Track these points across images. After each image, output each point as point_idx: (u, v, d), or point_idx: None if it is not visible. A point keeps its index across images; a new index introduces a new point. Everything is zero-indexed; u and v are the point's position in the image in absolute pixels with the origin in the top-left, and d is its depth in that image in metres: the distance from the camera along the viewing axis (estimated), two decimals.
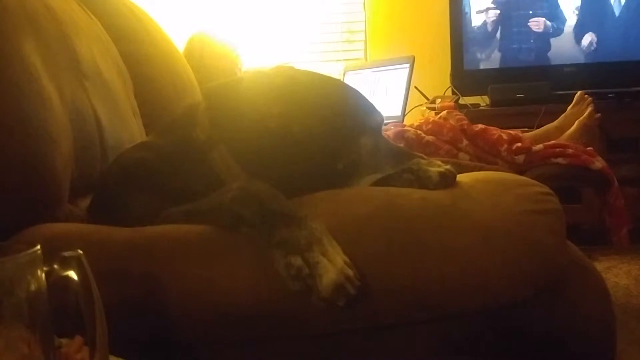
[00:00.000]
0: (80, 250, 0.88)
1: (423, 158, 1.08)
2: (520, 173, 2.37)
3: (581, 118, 2.63)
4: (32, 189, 0.98)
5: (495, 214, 0.89)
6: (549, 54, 3.66)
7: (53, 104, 1.04)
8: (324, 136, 1.02)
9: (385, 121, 2.91)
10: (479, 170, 2.34)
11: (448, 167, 0.98)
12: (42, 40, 1.07)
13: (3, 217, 0.95)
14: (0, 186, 0.93)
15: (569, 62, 3.63)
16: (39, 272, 0.62)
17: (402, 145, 2.43)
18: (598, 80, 3.50)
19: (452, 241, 0.86)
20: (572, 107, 2.73)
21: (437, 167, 0.99)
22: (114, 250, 0.87)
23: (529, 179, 0.98)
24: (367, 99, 1.14)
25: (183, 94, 1.76)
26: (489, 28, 3.68)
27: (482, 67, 3.67)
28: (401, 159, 1.07)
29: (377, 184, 1.02)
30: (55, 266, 0.65)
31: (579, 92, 2.75)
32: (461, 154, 2.40)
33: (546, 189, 0.96)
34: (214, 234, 0.87)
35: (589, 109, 2.67)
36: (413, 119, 3.48)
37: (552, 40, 3.64)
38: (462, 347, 0.84)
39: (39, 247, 0.62)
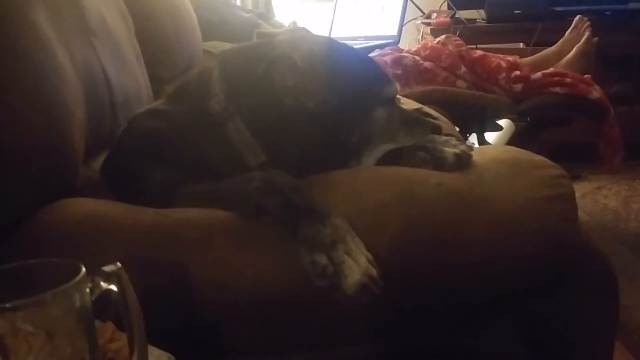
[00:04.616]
0: (107, 235, 0.91)
1: (439, 129, 1.09)
2: (518, 101, 2.40)
3: (579, 43, 2.62)
4: (52, 162, 0.98)
5: (510, 201, 0.92)
6: None
7: (67, 72, 1.03)
8: (339, 110, 1.02)
9: (383, 41, 2.89)
10: (477, 99, 2.36)
11: (464, 147, 1.00)
12: (52, 5, 1.05)
13: (23, 191, 0.96)
14: (20, 161, 0.93)
15: None
16: (85, 289, 0.65)
17: (399, 71, 2.43)
18: None
19: (469, 229, 0.89)
20: (570, 32, 2.71)
21: (452, 147, 1.00)
22: (141, 237, 0.89)
23: (542, 159, 1.00)
24: (381, 68, 1.14)
25: (183, 30, 1.72)
26: None
27: None
28: (415, 127, 1.08)
29: (390, 156, 1.04)
30: (99, 281, 0.67)
31: (577, 17, 2.72)
32: (459, 81, 2.41)
33: (560, 171, 0.98)
34: (238, 222, 0.89)
35: (587, 34, 2.65)
36: (408, 35, 3.45)
37: None
38: (477, 333, 0.89)
39: (84, 270, 0.64)
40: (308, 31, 1.14)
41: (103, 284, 0.68)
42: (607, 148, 2.43)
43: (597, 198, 3.00)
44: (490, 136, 2.61)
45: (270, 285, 0.85)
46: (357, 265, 0.80)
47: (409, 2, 2.96)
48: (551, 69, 2.46)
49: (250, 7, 3.08)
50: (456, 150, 0.99)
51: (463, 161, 0.98)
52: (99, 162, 1.15)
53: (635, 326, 1.83)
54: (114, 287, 0.68)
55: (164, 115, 1.08)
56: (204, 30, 1.98)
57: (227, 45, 2.05)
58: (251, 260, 0.86)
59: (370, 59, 1.11)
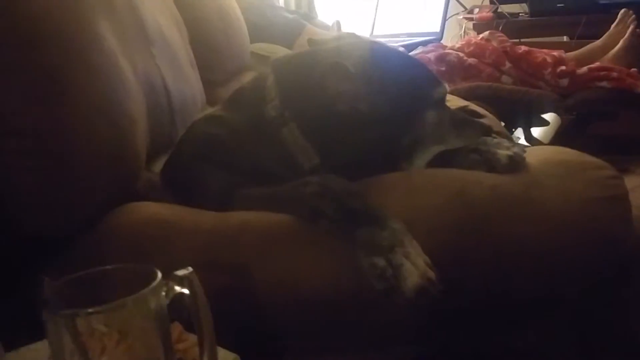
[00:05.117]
0: (172, 238, 0.95)
1: (489, 130, 1.11)
2: (564, 96, 2.38)
3: (625, 37, 2.60)
4: (118, 170, 1.03)
5: (565, 203, 0.93)
6: None
7: (130, 82, 1.08)
8: (391, 113, 1.04)
9: (427, 37, 2.89)
10: (523, 94, 2.36)
11: (516, 149, 1.01)
12: (115, 18, 1.09)
13: (92, 196, 1.00)
14: (89, 169, 0.98)
15: None
16: (160, 293, 0.69)
17: (443, 68, 2.43)
18: None
19: (524, 232, 0.90)
20: (615, 25, 2.68)
21: (505, 149, 1.01)
22: (203, 240, 0.92)
23: (595, 160, 1.01)
24: (430, 71, 1.16)
25: (232, 34, 1.76)
26: None
27: None
28: (466, 130, 1.10)
29: (442, 158, 1.05)
30: (172, 285, 0.71)
31: (623, 10, 2.69)
32: (504, 77, 2.41)
33: (612, 172, 0.99)
34: (297, 225, 0.92)
35: (632, 27, 2.63)
36: (451, 30, 3.44)
37: None
38: (528, 332, 0.91)
39: (160, 275, 0.68)
40: (357, 36, 1.16)
41: (177, 288, 0.71)
42: None
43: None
44: (537, 131, 2.60)
45: (330, 287, 0.88)
46: (415, 268, 0.82)
47: None
48: (597, 64, 2.45)
49: (293, 7, 3.11)
50: (509, 152, 1.00)
51: (516, 163, 1.00)
52: (159, 165, 1.20)
53: None
54: (186, 291, 0.72)
55: (222, 121, 1.12)
56: (251, 32, 2.02)
57: (273, 47, 2.09)
58: (310, 263, 0.89)
59: (419, 62, 1.13)
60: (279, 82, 1.09)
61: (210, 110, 1.25)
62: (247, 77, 1.27)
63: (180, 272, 0.72)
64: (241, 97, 1.15)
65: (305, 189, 0.93)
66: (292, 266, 0.89)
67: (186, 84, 1.38)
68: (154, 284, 0.67)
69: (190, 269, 0.74)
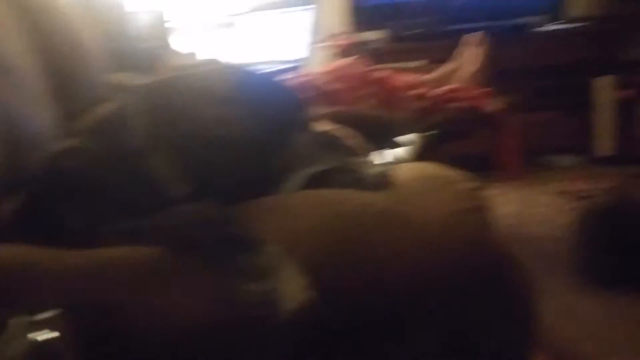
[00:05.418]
0: (32, 282, 0.88)
1: (356, 151, 1.13)
2: (423, 117, 2.48)
3: (475, 59, 2.74)
4: None
5: (432, 216, 0.96)
6: None
7: None
8: (262, 137, 1.04)
9: (289, 65, 2.92)
10: (383, 118, 2.43)
11: (384, 167, 1.04)
12: None
13: None
14: None
15: None
16: (19, 341, 0.64)
17: (309, 94, 2.47)
18: (488, 13, 3.63)
19: (398, 245, 0.92)
20: (466, 48, 2.82)
21: (373, 167, 1.04)
22: (68, 281, 0.87)
23: (457, 173, 1.06)
24: (297, 95, 1.17)
25: (89, 63, 1.71)
26: None
27: (379, 2, 3.70)
28: (334, 151, 1.11)
29: (314, 179, 1.06)
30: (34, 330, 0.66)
31: (472, 33, 2.85)
32: (365, 101, 2.47)
33: (474, 184, 1.04)
34: (168, 257, 0.89)
35: (482, 50, 2.78)
36: (313, 58, 3.50)
37: None
38: (409, 343, 0.92)
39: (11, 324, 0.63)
40: (224, 62, 1.16)
41: (41, 333, 0.66)
42: (505, 157, 2.56)
43: (498, 205, 3.12)
44: (397, 152, 2.69)
45: (207, 318, 0.85)
46: (294, 291, 0.81)
47: (313, 25, 3.02)
48: (451, 85, 2.56)
49: (148, 37, 3.03)
50: (376, 170, 1.03)
51: (384, 180, 1.02)
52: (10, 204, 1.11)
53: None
54: (53, 335, 0.67)
55: (82, 153, 1.07)
56: (107, 62, 1.95)
57: (129, 77, 2.03)
58: (185, 295, 0.86)
59: (287, 86, 1.14)
60: (144, 110, 1.05)
61: (68, 142, 1.19)
62: (105, 107, 1.22)
63: (44, 316, 0.68)
64: (103, 127, 1.10)
65: (177, 219, 0.90)
66: (166, 300, 0.86)
67: (38, 115, 1.31)
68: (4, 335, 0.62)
69: (54, 311, 0.69)
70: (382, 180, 1.02)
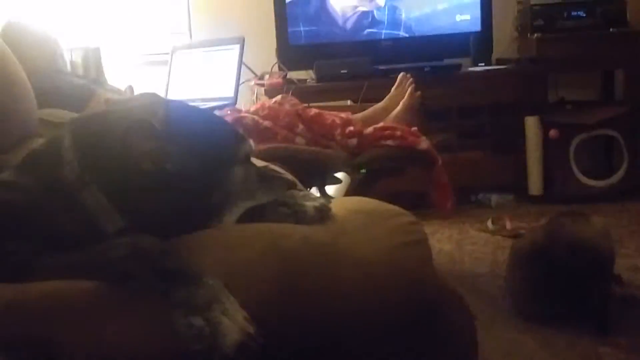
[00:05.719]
0: None
1: (294, 185, 1.13)
2: (354, 155, 2.51)
3: (404, 98, 2.81)
4: None
5: (371, 249, 0.97)
6: (369, 29, 3.83)
7: None
8: (198, 171, 1.03)
9: (219, 102, 2.92)
10: (316, 154, 2.45)
11: (322, 201, 1.04)
12: None
13: None
14: None
15: (388, 37, 3.83)
16: None
17: (240, 131, 2.47)
18: (415, 54, 3.74)
19: (336, 279, 0.92)
20: (395, 88, 2.90)
21: (312, 201, 1.04)
22: (1, 318, 0.83)
23: (395, 208, 1.07)
24: (235, 128, 1.16)
25: (17, 99, 1.66)
26: (313, 3, 3.76)
27: (306, 42, 3.76)
28: (273, 185, 1.11)
29: (252, 213, 1.05)
30: None
31: (400, 74, 2.93)
32: (298, 139, 2.49)
33: (413, 218, 1.05)
34: (103, 290, 0.86)
35: (410, 89, 2.85)
36: (244, 95, 3.52)
37: (373, 16, 3.82)
38: None
39: None
40: (158, 96, 1.14)
41: None
42: (438, 194, 2.60)
43: (433, 243, 3.17)
44: (330, 189, 2.71)
45: (143, 352, 0.83)
46: (234, 325, 0.80)
47: (242, 64, 3.04)
48: (381, 124, 2.61)
49: (81, 73, 3.00)
50: (316, 204, 1.03)
51: (323, 214, 1.02)
52: None
53: None
54: None
55: (13, 186, 1.03)
56: (38, 98, 1.90)
57: (63, 113, 1.99)
58: (120, 329, 0.84)
59: (223, 119, 1.13)
60: (76, 143, 1.03)
61: None
62: (35, 144, 1.18)
63: None
64: (35, 161, 1.07)
65: (112, 253, 0.88)
66: (103, 335, 0.83)
67: None
68: None
69: None
70: (321, 214, 1.02)
